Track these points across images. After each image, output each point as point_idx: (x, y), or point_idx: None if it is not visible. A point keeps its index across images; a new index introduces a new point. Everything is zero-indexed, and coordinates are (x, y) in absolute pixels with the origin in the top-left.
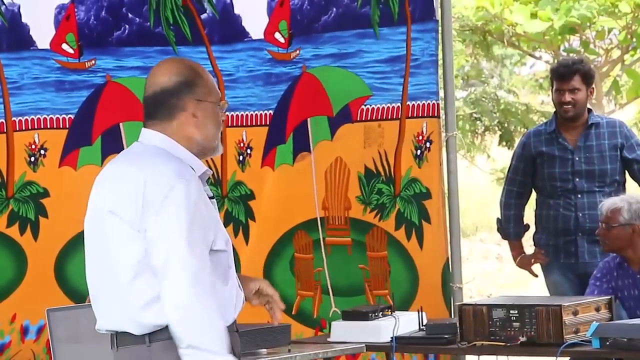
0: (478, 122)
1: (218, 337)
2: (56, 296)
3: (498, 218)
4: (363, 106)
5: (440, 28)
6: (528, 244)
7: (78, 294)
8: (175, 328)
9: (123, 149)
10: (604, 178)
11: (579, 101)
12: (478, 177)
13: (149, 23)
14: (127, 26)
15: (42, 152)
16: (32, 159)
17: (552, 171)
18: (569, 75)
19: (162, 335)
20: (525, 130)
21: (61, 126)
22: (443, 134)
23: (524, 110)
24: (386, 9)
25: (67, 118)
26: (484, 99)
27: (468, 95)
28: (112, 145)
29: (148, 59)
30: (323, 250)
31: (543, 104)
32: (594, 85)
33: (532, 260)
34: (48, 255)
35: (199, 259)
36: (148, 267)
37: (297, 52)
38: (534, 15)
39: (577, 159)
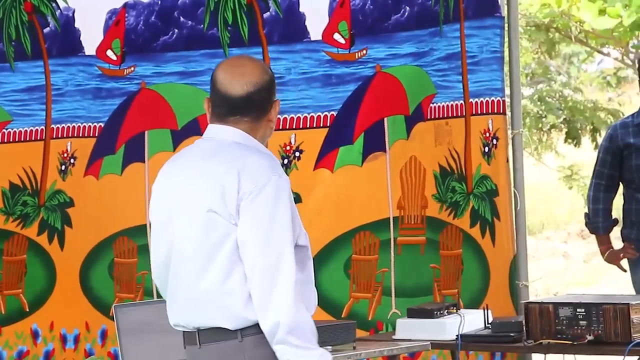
0: (544, 119)
1: (310, 332)
2: (83, 305)
3: (586, 212)
4: (432, 104)
5: (506, 25)
6: (614, 238)
7: (102, 304)
8: (267, 325)
9: (144, 158)
10: None
11: None
12: (544, 175)
13: (202, 25)
14: (176, 30)
15: (72, 160)
16: (63, 167)
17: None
18: None
19: (252, 330)
20: (593, 127)
21: (92, 134)
22: (509, 131)
23: (591, 107)
24: (445, 6)
25: (98, 126)
26: (550, 97)
27: (535, 93)
28: (134, 154)
29: (191, 63)
30: (393, 250)
31: (610, 100)
32: None
33: (621, 255)
34: (73, 265)
35: (290, 254)
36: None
37: (364, 52)
38: (602, 12)
39: None
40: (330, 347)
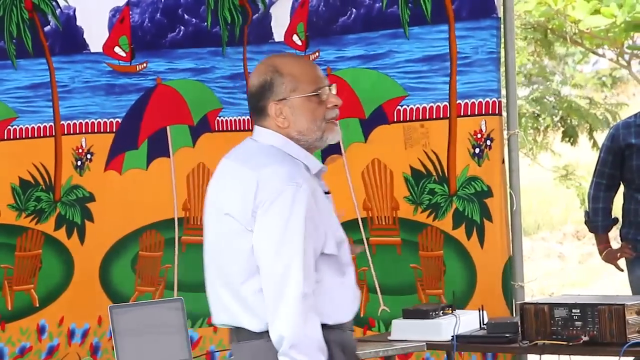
0: (540, 119)
1: (316, 347)
2: (101, 299)
3: (586, 211)
4: (399, 107)
5: (502, 25)
6: (612, 238)
7: (121, 297)
8: (274, 336)
9: (169, 153)
10: None
11: None
12: (540, 176)
13: (205, 23)
14: (182, 27)
15: (89, 156)
16: (79, 163)
17: None
18: None
19: None
20: (589, 126)
21: (108, 130)
22: (505, 132)
23: (587, 105)
24: (417, 9)
25: (114, 122)
26: (546, 97)
27: (531, 93)
28: (158, 148)
29: (200, 60)
30: (367, 250)
31: (606, 99)
32: None
33: (619, 254)
34: (94, 259)
35: (298, 266)
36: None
37: (317, 54)
38: (596, 12)
39: None
40: None
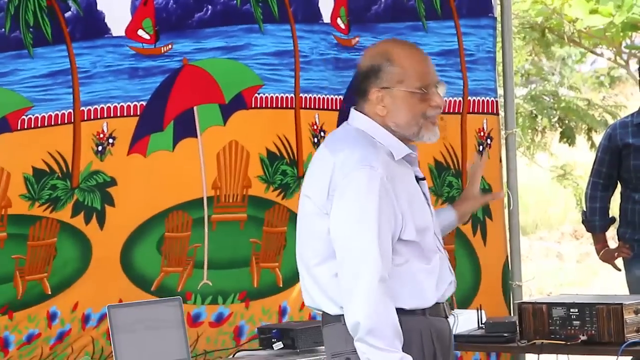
0: (538, 119)
1: (392, 333)
2: (122, 284)
3: (583, 211)
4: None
5: (499, 25)
6: (610, 238)
7: (145, 280)
8: (348, 322)
9: (195, 133)
10: None
11: None
12: (538, 175)
13: (235, 1)
14: (209, 7)
15: (111, 140)
16: (100, 148)
17: (638, 163)
18: None
19: None
20: (587, 127)
21: (132, 114)
22: (503, 132)
23: (585, 105)
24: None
25: (138, 105)
26: (544, 97)
27: (529, 92)
28: (185, 129)
29: (231, 38)
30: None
31: (604, 99)
32: None
33: (616, 254)
34: (114, 243)
35: (372, 251)
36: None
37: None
38: (594, 11)
39: None
40: (323, 347)
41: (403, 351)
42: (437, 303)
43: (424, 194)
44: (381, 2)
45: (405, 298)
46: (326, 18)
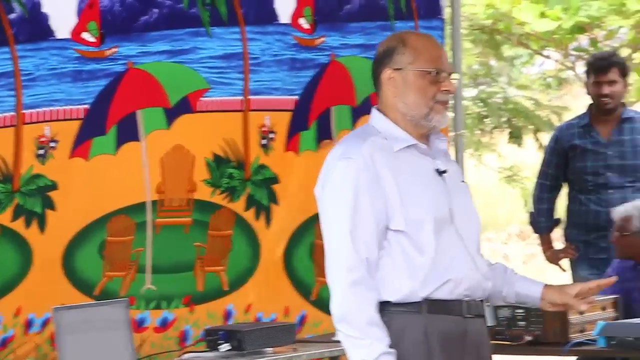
0: (486, 120)
1: (364, 321)
2: (65, 288)
3: (530, 212)
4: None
5: (450, 27)
6: (557, 239)
7: (87, 285)
8: (331, 309)
9: (138, 137)
10: (636, 173)
11: (617, 93)
12: (486, 176)
13: (181, 5)
14: (156, 10)
15: (52, 144)
16: (41, 151)
17: (584, 165)
18: (607, 67)
19: (389, 307)
20: (534, 127)
21: (75, 117)
22: (451, 133)
23: (532, 106)
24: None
25: (82, 109)
26: (492, 98)
27: (478, 94)
28: (128, 133)
29: (177, 42)
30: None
31: (551, 101)
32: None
33: (562, 254)
34: (55, 248)
35: (342, 241)
36: None
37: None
38: (542, 15)
39: (609, 153)
40: (271, 348)
41: (390, 346)
42: (441, 300)
43: (447, 185)
44: (355, 1)
45: (388, 289)
46: (284, 19)
